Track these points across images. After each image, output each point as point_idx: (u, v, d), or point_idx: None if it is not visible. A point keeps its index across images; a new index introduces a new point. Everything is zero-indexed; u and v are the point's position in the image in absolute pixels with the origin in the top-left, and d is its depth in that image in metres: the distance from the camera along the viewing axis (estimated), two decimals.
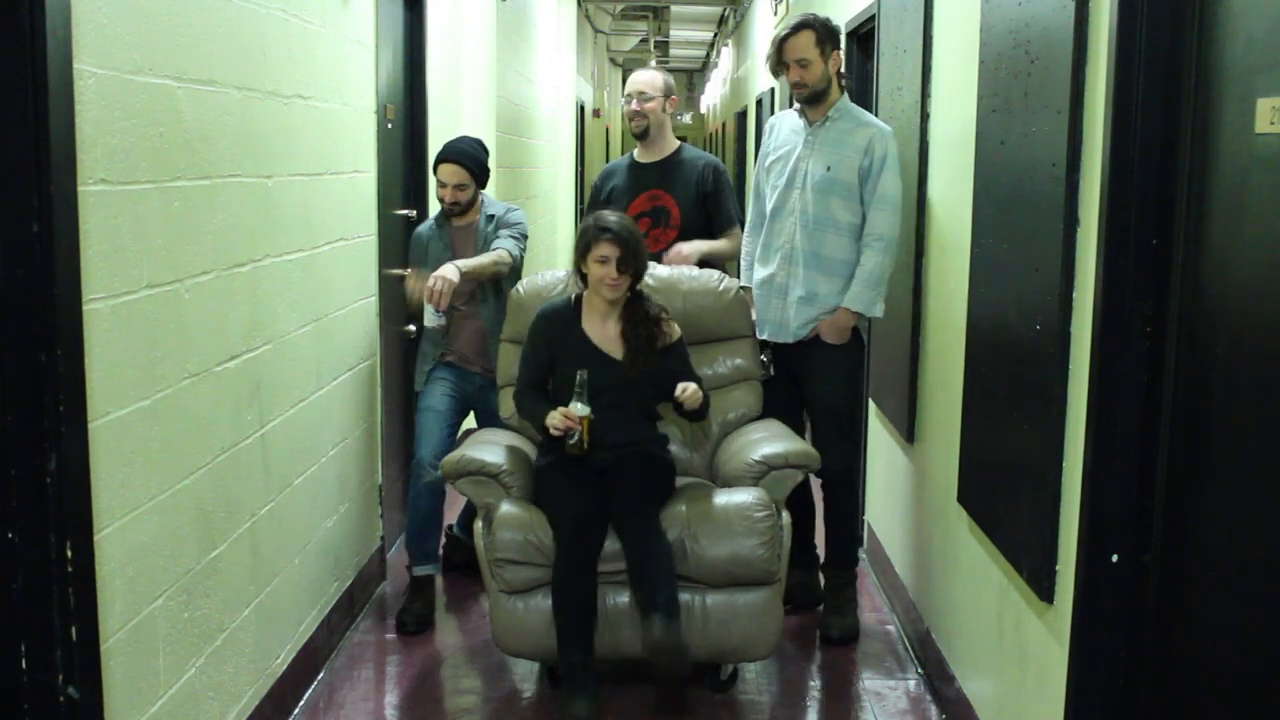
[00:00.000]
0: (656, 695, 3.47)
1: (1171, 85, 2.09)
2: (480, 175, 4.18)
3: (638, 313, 3.52)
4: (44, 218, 2.00)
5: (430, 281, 3.86)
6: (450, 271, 3.88)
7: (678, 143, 4.44)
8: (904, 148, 3.91)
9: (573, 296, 3.61)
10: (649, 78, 4.38)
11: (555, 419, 3.35)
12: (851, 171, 3.71)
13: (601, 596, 3.31)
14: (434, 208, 4.45)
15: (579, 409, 3.33)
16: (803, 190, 3.79)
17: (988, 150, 2.93)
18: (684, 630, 3.18)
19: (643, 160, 4.37)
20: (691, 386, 3.42)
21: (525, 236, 4.25)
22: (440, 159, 4.16)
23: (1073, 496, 2.35)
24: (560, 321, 3.54)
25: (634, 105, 4.31)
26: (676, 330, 3.58)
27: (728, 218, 4.34)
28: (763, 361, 3.97)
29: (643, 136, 4.34)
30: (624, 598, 3.32)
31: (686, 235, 4.27)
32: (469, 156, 4.14)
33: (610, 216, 3.50)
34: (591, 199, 4.53)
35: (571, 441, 3.35)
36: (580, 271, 3.51)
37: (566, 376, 3.42)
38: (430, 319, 3.96)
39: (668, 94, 4.37)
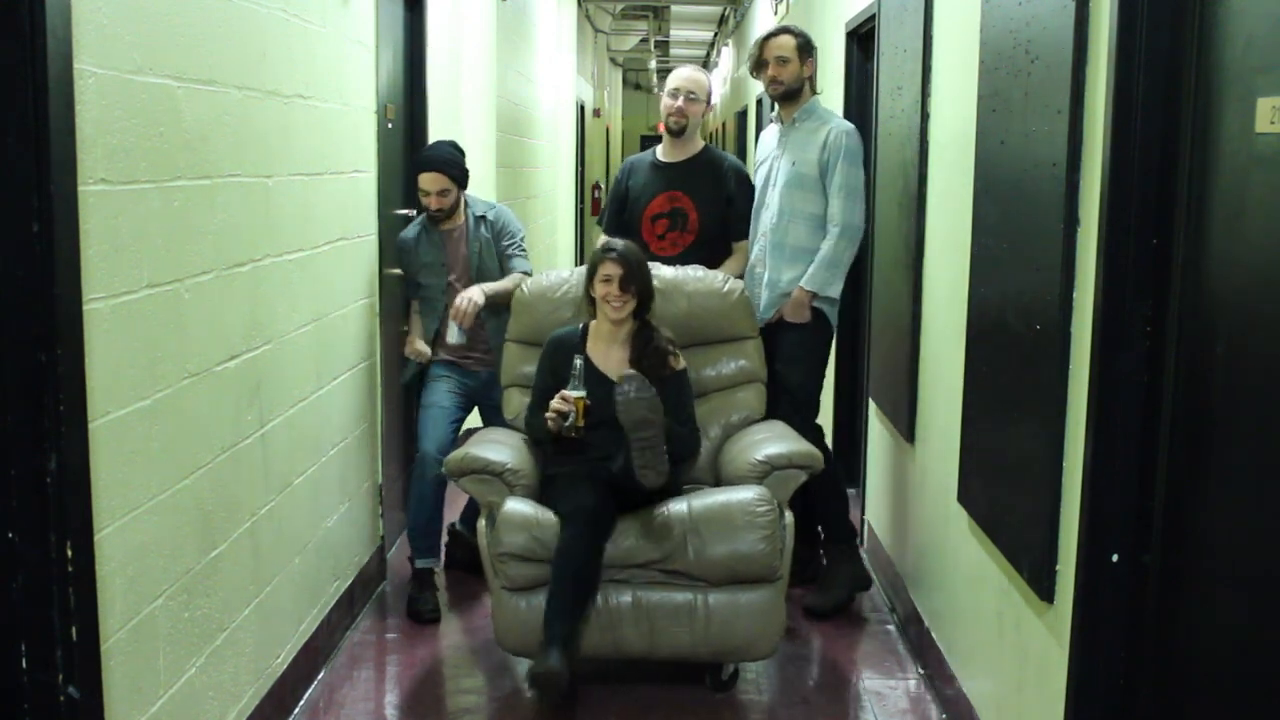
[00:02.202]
0: (648, 694, 3.47)
1: (1171, 85, 2.09)
2: (461, 179, 4.16)
3: (648, 344, 3.61)
4: (44, 218, 2.00)
5: (458, 302, 4.02)
6: (476, 294, 4.04)
7: (702, 144, 4.37)
8: (904, 148, 3.94)
9: (581, 325, 3.72)
10: (700, 79, 4.31)
11: (554, 402, 3.46)
12: (812, 166, 3.99)
13: (602, 596, 3.31)
14: None
15: (574, 392, 3.46)
16: (775, 187, 4.07)
17: (988, 150, 2.93)
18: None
19: (665, 160, 4.31)
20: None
21: (524, 239, 4.27)
22: (420, 168, 4.14)
23: (1073, 496, 2.35)
24: (566, 348, 3.64)
25: (680, 102, 4.22)
26: (682, 363, 3.65)
27: (744, 230, 4.21)
28: None
29: (678, 134, 4.27)
30: (625, 597, 3.32)
31: (705, 240, 4.21)
32: (447, 163, 4.11)
33: (616, 242, 3.70)
34: (613, 190, 4.50)
35: (567, 424, 3.45)
36: (589, 297, 3.64)
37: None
38: (454, 336, 4.17)
39: (708, 100, 4.38)
